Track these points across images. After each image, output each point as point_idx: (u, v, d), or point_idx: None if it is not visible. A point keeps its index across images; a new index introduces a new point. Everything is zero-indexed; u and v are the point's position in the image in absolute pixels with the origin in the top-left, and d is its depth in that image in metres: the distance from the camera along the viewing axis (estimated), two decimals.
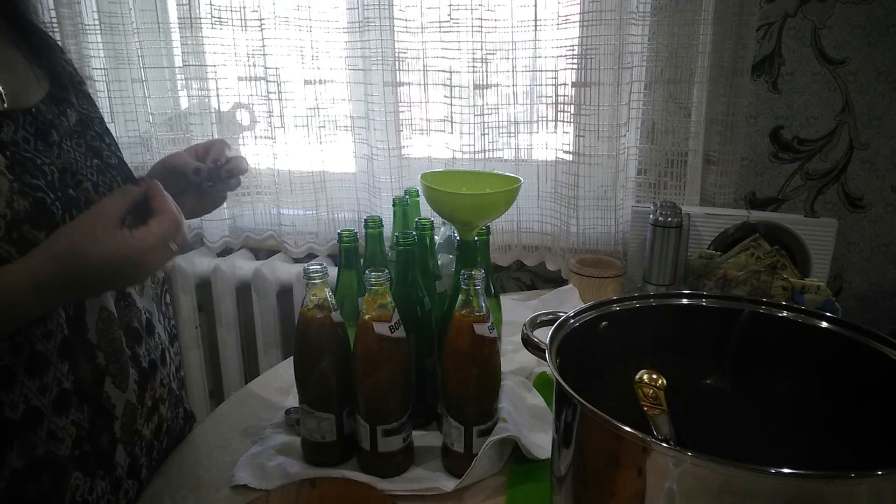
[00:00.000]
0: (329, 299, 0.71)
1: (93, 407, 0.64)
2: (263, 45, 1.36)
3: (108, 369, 0.65)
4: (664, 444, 0.41)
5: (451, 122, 1.33)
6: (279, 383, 0.95)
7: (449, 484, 0.69)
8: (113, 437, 0.66)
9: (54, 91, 0.67)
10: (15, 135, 0.59)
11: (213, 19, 1.38)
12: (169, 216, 0.57)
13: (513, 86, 1.30)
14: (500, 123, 1.33)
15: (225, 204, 1.51)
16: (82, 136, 0.67)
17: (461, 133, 1.33)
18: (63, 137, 0.64)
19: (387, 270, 0.67)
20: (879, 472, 0.37)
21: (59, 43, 0.72)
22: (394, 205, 0.90)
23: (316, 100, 1.40)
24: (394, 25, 1.29)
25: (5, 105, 0.60)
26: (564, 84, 1.27)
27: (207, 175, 0.77)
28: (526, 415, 0.79)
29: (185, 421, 0.83)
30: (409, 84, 1.35)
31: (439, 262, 0.85)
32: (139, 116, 1.49)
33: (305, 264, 0.71)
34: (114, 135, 0.76)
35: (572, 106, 1.27)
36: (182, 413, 0.82)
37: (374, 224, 0.81)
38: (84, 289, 0.58)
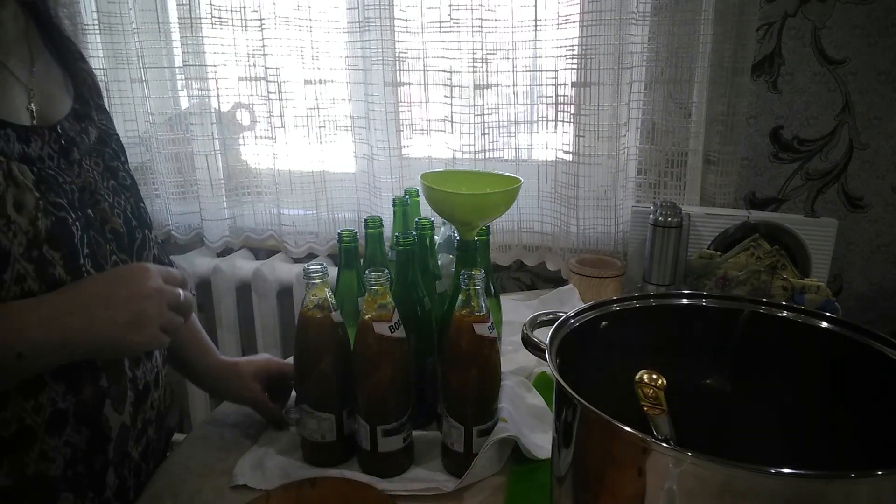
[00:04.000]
0: (329, 299, 0.71)
1: (91, 429, 0.63)
2: (263, 45, 1.36)
3: (108, 391, 0.64)
4: (664, 444, 0.41)
5: (452, 122, 1.33)
6: None
7: (449, 484, 0.69)
8: (106, 459, 0.65)
9: (77, 108, 0.67)
10: (41, 151, 0.59)
11: (214, 19, 1.38)
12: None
13: (513, 86, 1.30)
14: (500, 123, 1.33)
15: (225, 203, 1.53)
16: (101, 154, 0.68)
17: (461, 133, 1.33)
18: (83, 156, 0.65)
19: (387, 270, 0.67)
20: (879, 472, 0.37)
21: None
22: (394, 205, 0.90)
23: (316, 100, 1.40)
24: (394, 25, 1.29)
25: (34, 121, 0.61)
26: (564, 84, 1.27)
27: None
28: (526, 415, 0.79)
29: (167, 442, 0.82)
30: (409, 84, 1.35)
31: (439, 262, 0.85)
32: (139, 116, 1.49)
33: (305, 264, 0.71)
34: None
35: (572, 106, 1.27)
36: (163, 435, 0.80)
37: (374, 224, 0.81)
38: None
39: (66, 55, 0.69)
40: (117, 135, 0.73)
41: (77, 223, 0.59)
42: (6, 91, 0.59)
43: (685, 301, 0.63)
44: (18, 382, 0.56)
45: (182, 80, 1.47)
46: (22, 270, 0.54)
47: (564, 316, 0.57)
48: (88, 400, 0.62)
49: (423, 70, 1.33)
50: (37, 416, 0.57)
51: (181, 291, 0.60)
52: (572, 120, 1.27)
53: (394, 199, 0.90)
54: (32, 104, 0.61)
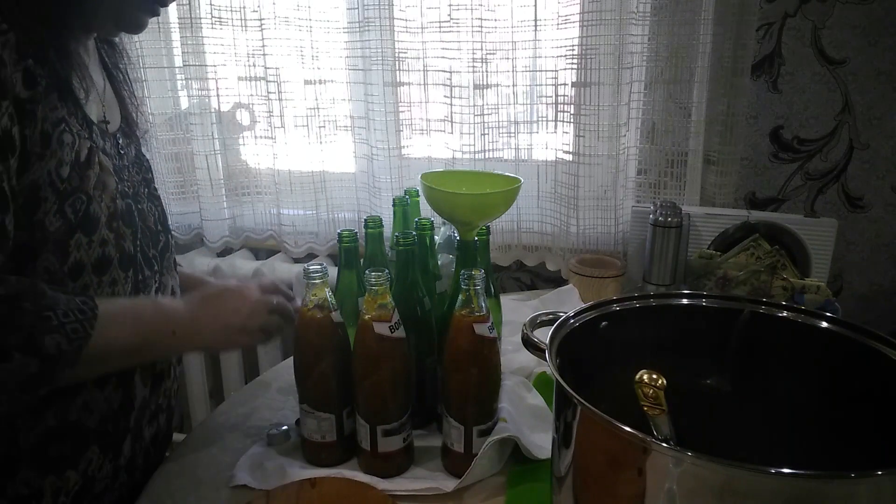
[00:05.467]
0: (329, 299, 0.71)
1: (124, 392, 0.70)
2: (263, 45, 1.36)
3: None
4: (664, 444, 0.41)
5: (451, 122, 1.33)
6: (279, 383, 0.95)
7: (449, 484, 0.69)
8: (127, 426, 0.71)
9: (124, 126, 0.76)
10: (110, 150, 0.69)
11: (213, 19, 1.38)
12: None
13: (513, 86, 1.30)
14: (500, 123, 1.33)
15: (225, 203, 1.53)
16: (139, 167, 0.78)
17: (461, 133, 1.33)
18: (129, 164, 0.75)
19: (387, 270, 0.67)
20: (879, 472, 0.37)
21: None
22: (394, 205, 0.90)
23: (316, 100, 1.40)
24: (394, 25, 1.29)
25: (107, 125, 0.70)
26: (564, 84, 1.27)
27: None
28: (526, 415, 0.79)
29: (167, 439, 0.85)
30: (409, 84, 1.35)
31: (439, 262, 0.85)
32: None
33: (305, 264, 0.71)
34: None
35: (572, 106, 1.27)
36: (167, 434, 0.84)
37: (374, 224, 0.81)
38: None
39: (123, 85, 0.78)
40: (148, 160, 0.82)
41: (135, 212, 0.71)
42: (91, 98, 0.67)
43: (685, 301, 0.63)
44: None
45: (182, 80, 1.47)
46: (105, 236, 0.64)
47: (564, 316, 0.57)
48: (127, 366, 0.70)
49: (423, 70, 1.33)
50: None
51: (274, 298, 0.76)
52: (572, 120, 1.27)
53: (394, 199, 0.90)
54: (104, 114, 0.71)
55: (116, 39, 0.78)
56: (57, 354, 0.54)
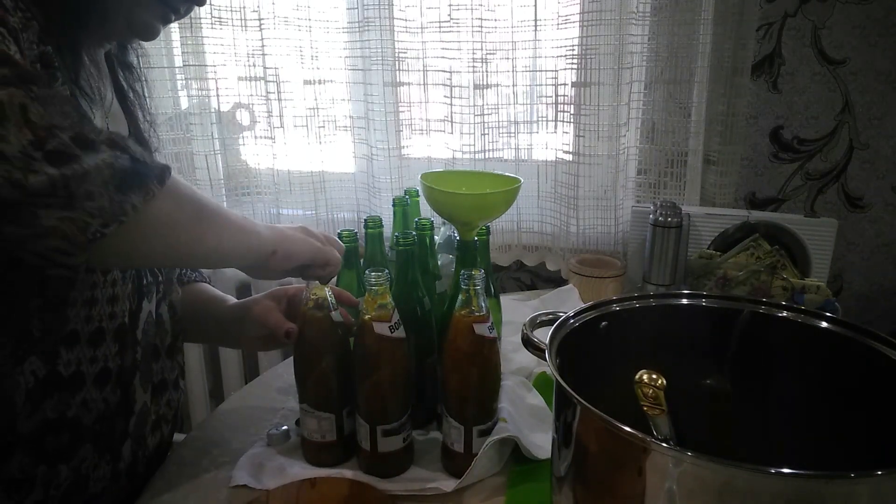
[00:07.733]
0: (329, 299, 0.71)
1: (123, 393, 0.69)
2: (263, 45, 1.36)
3: (139, 366, 0.72)
4: (664, 444, 0.41)
5: (451, 122, 1.33)
6: (279, 383, 0.95)
7: (449, 484, 0.69)
8: (126, 429, 0.71)
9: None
10: None
11: (213, 19, 1.37)
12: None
13: (513, 86, 1.30)
14: (500, 123, 1.33)
15: (225, 203, 1.53)
16: None
17: (461, 133, 1.33)
18: None
19: (387, 270, 0.67)
20: (879, 472, 0.37)
21: None
22: (394, 205, 0.90)
23: (315, 100, 1.40)
24: (394, 25, 1.29)
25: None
26: (564, 84, 1.27)
27: None
28: (526, 415, 0.79)
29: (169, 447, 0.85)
30: (409, 84, 1.35)
31: (439, 262, 0.85)
32: None
33: None
34: None
35: (572, 106, 1.27)
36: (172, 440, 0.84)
37: (374, 224, 0.81)
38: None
39: (137, 107, 0.78)
40: None
41: None
42: (96, 108, 0.67)
43: (685, 301, 0.63)
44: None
45: (182, 80, 1.46)
46: None
47: (564, 316, 0.57)
48: (127, 365, 0.70)
49: (423, 70, 1.33)
50: (91, 366, 0.65)
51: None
52: (572, 120, 1.27)
53: (394, 199, 0.90)
54: (108, 126, 0.70)
55: (134, 62, 0.78)
56: (143, 159, 0.53)
